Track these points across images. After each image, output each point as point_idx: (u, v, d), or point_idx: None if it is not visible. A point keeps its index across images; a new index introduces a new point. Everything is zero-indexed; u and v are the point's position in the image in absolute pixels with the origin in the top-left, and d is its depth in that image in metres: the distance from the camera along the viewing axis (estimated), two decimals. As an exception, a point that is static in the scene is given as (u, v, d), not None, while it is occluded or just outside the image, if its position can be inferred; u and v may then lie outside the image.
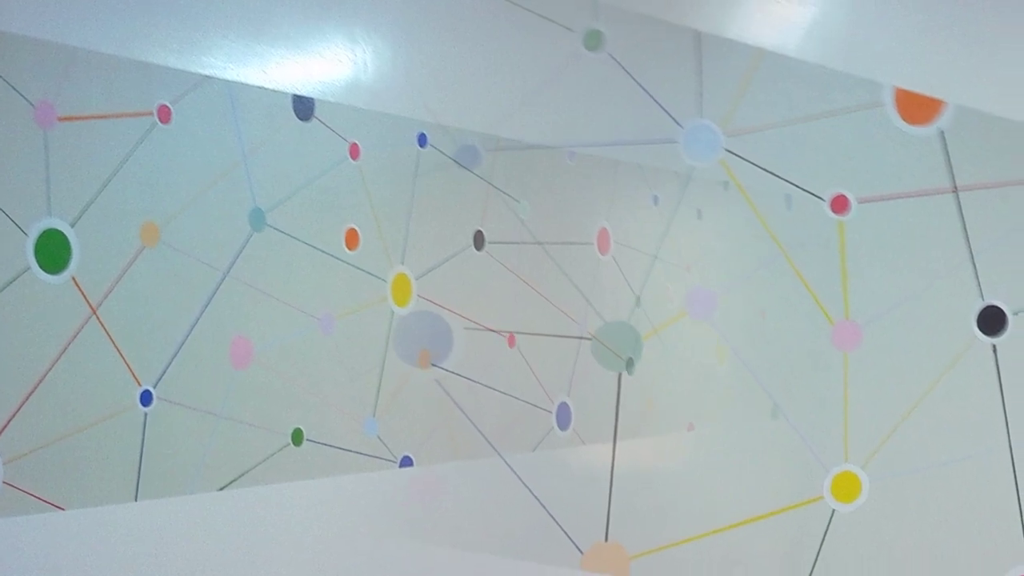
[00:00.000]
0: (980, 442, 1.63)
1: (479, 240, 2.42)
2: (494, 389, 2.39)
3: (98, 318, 1.87)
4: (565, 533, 1.98)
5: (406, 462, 2.34)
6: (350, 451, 2.27)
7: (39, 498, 1.78)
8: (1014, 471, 1.61)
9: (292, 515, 2.17)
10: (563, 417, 2.31)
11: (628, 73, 1.89)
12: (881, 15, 1.71)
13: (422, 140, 2.37)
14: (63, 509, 1.80)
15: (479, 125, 2.37)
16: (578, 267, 2.30)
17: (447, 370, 2.38)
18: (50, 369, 1.80)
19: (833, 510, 1.71)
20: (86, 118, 1.86)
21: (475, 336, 2.40)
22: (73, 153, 1.84)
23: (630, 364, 2.15)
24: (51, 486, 1.79)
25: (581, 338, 2.24)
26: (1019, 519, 1.60)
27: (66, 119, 1.82)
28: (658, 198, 2.11)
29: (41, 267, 1.80)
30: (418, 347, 2.36)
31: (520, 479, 2.15)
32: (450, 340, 2.37)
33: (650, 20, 1.89)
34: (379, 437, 2.31)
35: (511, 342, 2.42)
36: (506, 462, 2.25)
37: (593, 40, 1.94)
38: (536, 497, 2.10)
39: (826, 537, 1.71)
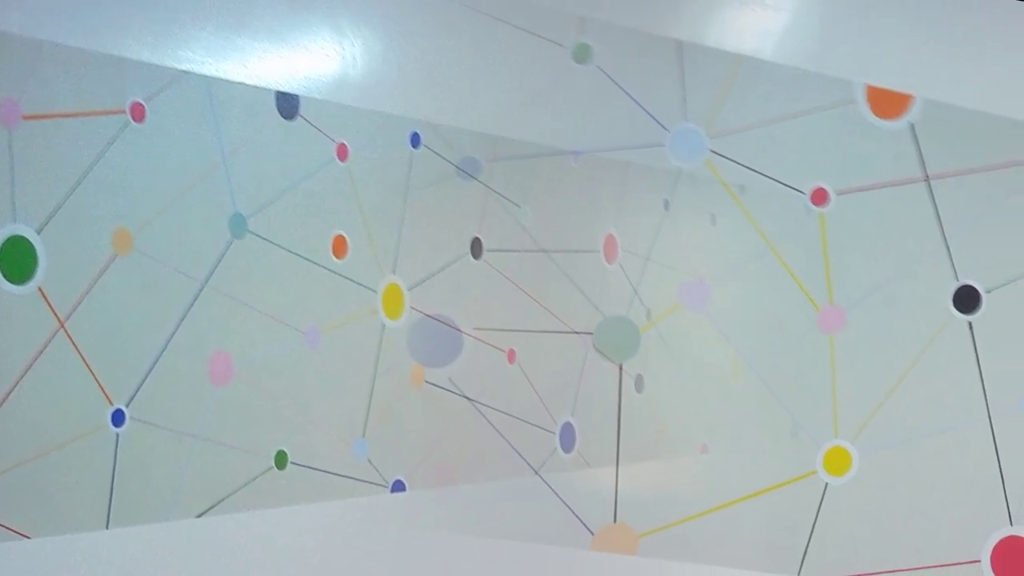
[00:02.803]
0: (961, 414, 1.84)
1: (477, 248, 2.42)
2: (493, 408, 2.39)
3: (66, 332, 1.87)
4: (576, 515, 2.10)
5: (398, 487, 2.34)
6: (338, 475, 2.27)
7: (3, 526, 1.77)
8: (994, 440, 1.81)
9: (275, 544, 2.16)
10: (567, 438, 2.30)
11: (615, 83, 2.07)
12: (850, 18, 1.91)
13: (415, 140, 2.37)
14: (29, 537, 1.80)
15: (475, 125, 2.37)
16: (583, 276, 2.30)
17: (442, 388, 2.38)
18: (14, 387, 1.79)
19: (826, 483, 1.90)
20: (53, 116, 1.85)
21: (473, 351, 2.40)
22: (40, 154, 1.83)
23: (639, 382, 2.16)
24: (16, 513, 1.79)
25: (586, 352, 2.24)
26: (1000, 485, 1.80)
27: (32, 118, 1.82)
28: (668, 202, 2.12)
29: (5, 277, 1.79)
30: (413, 361, 2.36)
31: (532, 467, 2.28)
32: (457, 349, 2.38)
33: (634, 32, 2.08)
34: (369, 460, 2.31)
35: (511, 358, 2.42)
36: (518, 452, 2.29)
37: (581, 53, 2.11)
38: (547, 483, 2.21)
39: (821, 508, 1.90)
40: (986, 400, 1.81)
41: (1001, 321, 1.82)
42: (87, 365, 1.89)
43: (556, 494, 2.15)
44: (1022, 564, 1.78)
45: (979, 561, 1.80)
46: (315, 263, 2.24)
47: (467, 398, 2.38)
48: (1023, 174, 1.81)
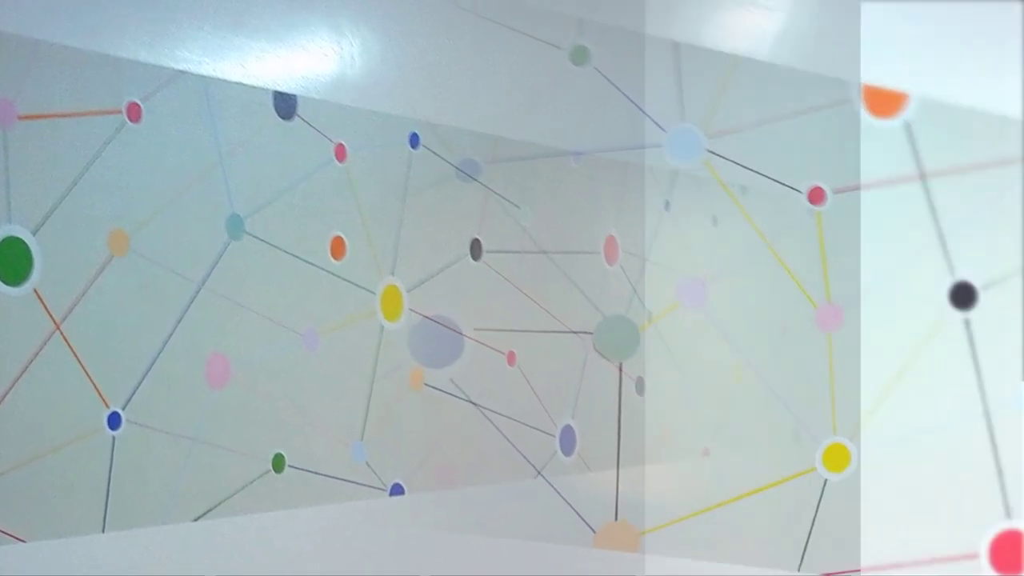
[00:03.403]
0: (958, 409, 1.86)
1: (476, 249, 2.42)
2: (492, 411, 2.39)
3: (62, 334, 1.87)
4: (578, 514, 2.14)
5: (397, 490, 2.34)
6: (336, 478, 2.26)
7: (-2, 529, 1.78)
8: (990, 434, 1.83)
9: (273, 547, 2.16)
10: (567, 441, 2.30)
11: (613, 84, 2.12)
12: (845, 18, 1.93)
13: (414, 140, 2.37)
14: (24, 541, 1.80)
15: (474, 125, 2.37)
16: (584, 278, 2.30)
17: (442, 390, 2.38)
18: (10, 389, 1.79)
19: (825, 479, 1.94)
20: (49, 116, 1.85)
21: (473, 353, 2.40)
22: (35, 155, 1.83)
23: (639, 384, 2.16)
24: (11, 516, 1.78)
25: (587, 355, 2.24)
26: (997, 479, 1.82)
27: (27, 118, 1.82)
28: (669, 203, 2.12)
29: (0, 278, 1.80)
30: (413, 363, 2.36)
31: (533, 466, 2.30)
32: (458, 351, 2.38)
33: (631, 34, 2.10)
34: (367, 463, 2.31)
35: (511, 360, 2.42)
36: (520, 452, 2.30)
37: (579, 56, 2.16)
38: (548, 481, 2.25)
39: (820, 504, 1.94)
40: (983, 395, 1.84)
41: (997, 317, 1.84)
42: (83, 367, 1.89)
43: (558, 492, 2.17)
44: (1020, 557, 1.80)
45: (977, 555, 1.82)
46: (313, 264, 2.24)
47: (467, 400, 2.38)
48: (1018, 171, 1.83)
